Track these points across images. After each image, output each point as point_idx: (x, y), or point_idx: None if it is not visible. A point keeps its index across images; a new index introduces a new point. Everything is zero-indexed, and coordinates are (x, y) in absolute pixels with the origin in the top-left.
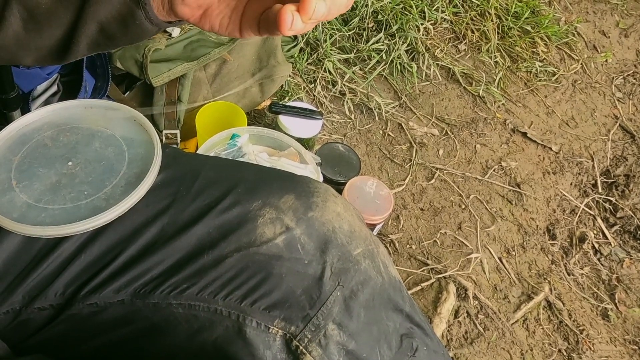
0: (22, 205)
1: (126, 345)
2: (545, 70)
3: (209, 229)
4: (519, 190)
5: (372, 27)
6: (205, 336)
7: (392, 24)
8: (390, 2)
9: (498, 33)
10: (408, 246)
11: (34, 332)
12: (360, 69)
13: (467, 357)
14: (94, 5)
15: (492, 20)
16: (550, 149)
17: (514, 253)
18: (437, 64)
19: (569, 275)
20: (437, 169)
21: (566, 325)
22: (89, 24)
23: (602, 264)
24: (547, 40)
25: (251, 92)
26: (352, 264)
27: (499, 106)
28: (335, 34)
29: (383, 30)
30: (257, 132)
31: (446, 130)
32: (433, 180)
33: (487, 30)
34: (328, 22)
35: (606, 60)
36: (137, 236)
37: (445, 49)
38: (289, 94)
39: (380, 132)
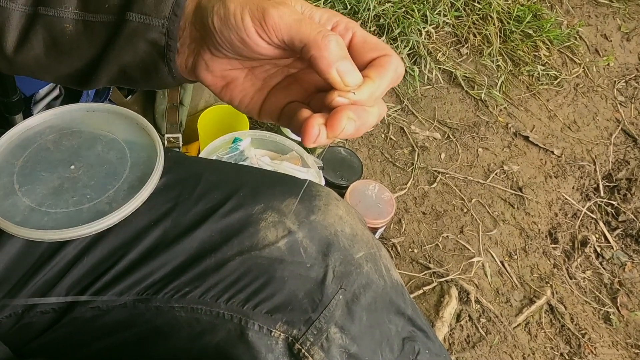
0: (25, 209)
1: (128, 349)
2: (547, 74)
3: (211, 232)
4: (521, 194)
5: (374, 31)
6: (208, 339)
7: (394, 28)
8: (392, 6)
9: (500, 37)
10: (410, 250)
11: (37, 336)
12: None
13: None
14: (118, 50)
15: (494, 24)
16: (552, 152)
17: (516, 257)
18: (439, 68)
19: (571, 279)
20: (439, 172)
21: (568, 329)
22: (111, 65)
23: (604, 268)
24: (549, 44)
25: None
26: (354, 267)
27: (501, 110)
28: None
29: (385, 34)
30: (259, 136)
31: (448, 134)
32: (435, 184)
33: (489, 33)
34: None
35: (608, 64)
36: (139, 240)
37: (447, 52)
38: None
39: (382, 135)
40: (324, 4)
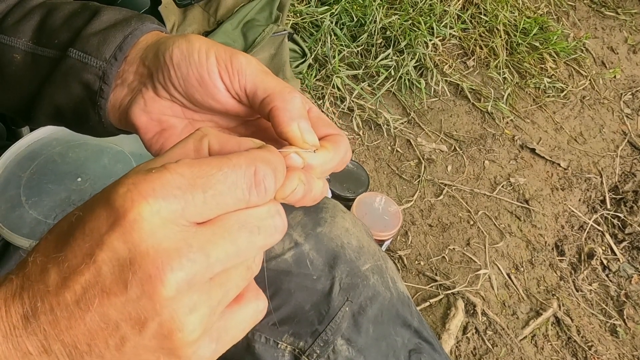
0: (32, 221)
1: None
2: (554, 87)
3: None
4: (527, 206)
5: (381, 43)
6: None
7: (400, 40)
8: (398, 18)
9: (506, 49)
10: (416, 262)
11: None
12: (369, 85)
13: None
14: (54, 87)
15: (500, 37)
16: (559, 165)
17: (522, 269)
18: (446, 80)
19: (577, 291)
20: (445, 185)
21: (574, 341)
22: (46, 103)
23: (610, 280)
24: (555, 56)
25: None
26: (361, 279)
27: (507, 122)
28: (344, 50)
29: (391, 46)
30: None
31: (455, 147)
32: (441, 197)
33: (496, 46)
34: (336, 38)
35: (615, 77)
36: None
37: (454, 65)
38: None
39: (389, 148)
40: (330, 16)
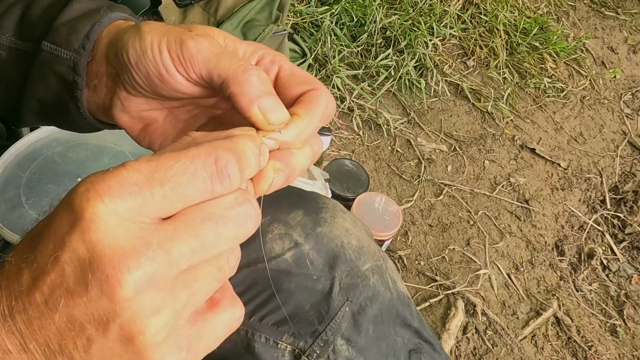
0: (32, 221)
1: None
2: (554, 87)
3: None
4: (527, 206)
5: (381, 43)
6: (214, 352)
7: (400, 40)
8: (398, 18)
9: (506, 49)
10: (416, 262)
11: None
12: (369, 85)
13: None
14: (33, 80)
15: (500, 37)
16: (559, 165)
17: (522, 269)
18: (446, 80)
19: (577, 291)
20: (445, 185)
21: (574, 341)
22: (30, 98)
23: (610, 280)
24: (555, 56)
25: None
26: (361, 279)
27: (507, 122)
28: (344, 50)
29: (391, 47)
30: None
31: (454, 147)
32: (441, 197)
33: (496, 46)
34: (336, 38)
35: (615, 77)
36: None
37: (454, 65)
38: None
39: (389, 148)
40: (330, 16)
